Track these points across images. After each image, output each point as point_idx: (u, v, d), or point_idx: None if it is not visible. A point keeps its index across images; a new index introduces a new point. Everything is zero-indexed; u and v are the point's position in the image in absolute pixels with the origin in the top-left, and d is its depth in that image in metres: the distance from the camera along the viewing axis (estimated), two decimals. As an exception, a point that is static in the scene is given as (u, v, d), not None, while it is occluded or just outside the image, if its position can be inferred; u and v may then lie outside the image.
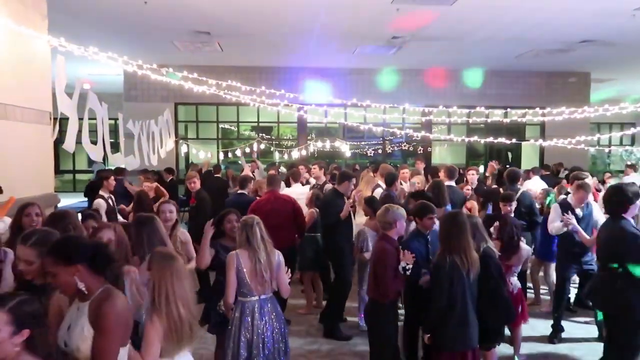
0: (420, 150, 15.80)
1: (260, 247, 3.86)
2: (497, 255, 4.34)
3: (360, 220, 6.87)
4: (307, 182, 8.67)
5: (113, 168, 11.43)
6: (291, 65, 15.10)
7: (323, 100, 11.21)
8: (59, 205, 7.08)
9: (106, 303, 2.28)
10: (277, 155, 19.03)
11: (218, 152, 16.55)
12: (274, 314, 3.91)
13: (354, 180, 6.31)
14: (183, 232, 4.74)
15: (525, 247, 5.15)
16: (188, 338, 2.67)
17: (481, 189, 8.31)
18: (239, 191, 7.29)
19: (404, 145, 16.82)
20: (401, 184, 8.00)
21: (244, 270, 3.82)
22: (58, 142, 7.74)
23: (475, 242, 4.14)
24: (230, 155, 16.83)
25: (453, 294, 3.86)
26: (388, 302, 4.29)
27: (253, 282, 3.81)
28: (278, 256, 3.99)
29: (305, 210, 6.74)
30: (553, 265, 6.63)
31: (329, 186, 7.77)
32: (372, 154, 16.72)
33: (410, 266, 4.14)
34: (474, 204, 7.40)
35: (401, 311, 5.14)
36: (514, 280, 5.06)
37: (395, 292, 4.30)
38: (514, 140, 12.07)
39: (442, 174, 7.94)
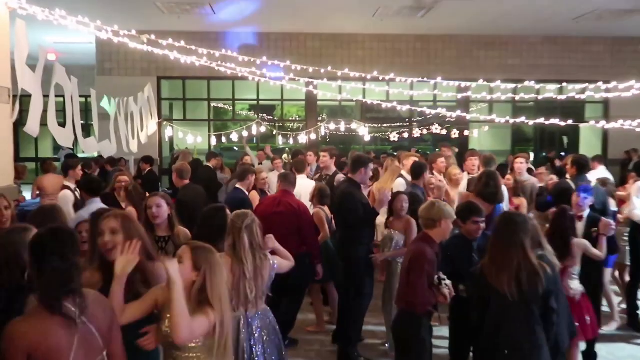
0: (455, 134, 15.68)
1: (249, 258, 3.86)
2: (555, 265, 4.33)
3: (380, 220, 6.82)
4: (319, 172, 8.66)
5: (86, 155, 11.59)
6: (299, 31, 15.06)
7: (336, 74, 11.15)
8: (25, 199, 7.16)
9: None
10: (280, 140, 19.08)
11: (209, 136, 16.62)
12: (266, 330, 3.95)
13: (371, 167, 6.25)
14: (185, 232, 4.72)
15: (580, 241, 5.12)
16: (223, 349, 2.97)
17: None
18: (236, 185, 7.29)
19: (436, 128, 16.73)
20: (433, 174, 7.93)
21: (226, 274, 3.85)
22: (18, 124, 7.81)
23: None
24: (224, 139, 16.90)
25: (492, 314, 3.87)
26: (420, 313, 4.31)
27: (235, 297, 3.82)
28: (272, 263, 4.04)
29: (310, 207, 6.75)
30: (608, 272, 6.69)
31: (340, 177, 7.74)
32: (396, 139, 16.65)
33: (447, 281, 4.14)
34: (522, 201, 7.35)
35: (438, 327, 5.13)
36: (575, 285, 5.05)
37: (427, 304, 4.30)
38: (570, 122, 11.93)
39: (469, 163, 7.88)
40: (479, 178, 6.23)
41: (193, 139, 14.93)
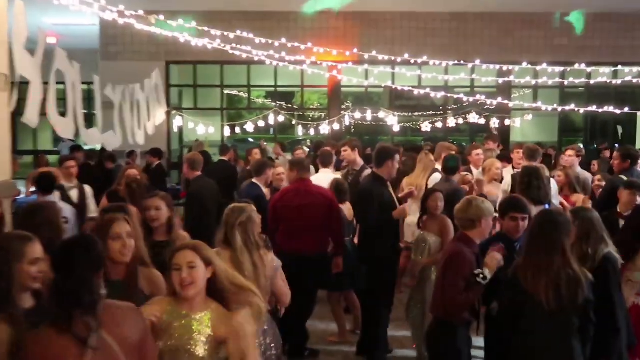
0: (495, 124, 15.54)
1: (245, 257, 3.95)
2: (620, 263, 4.30)
3: (411, 219, 6.80)
4: (346, 167, 8.64)
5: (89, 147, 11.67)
6: (321, 10, 15.03)
7: (363, 56, 11.11)
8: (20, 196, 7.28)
9: None
10: (300, 131, 19.10)
11: (222, 126, 16.71)
12: (268, 339, 4.06)
13: (397, 158, 6.23)
14: (184, 237, 4.73)
15: None
16: None
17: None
18: (253, 180, 7.33)
19: (473, 117, 16.58)
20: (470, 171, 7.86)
21: None
22: (16, 114, 7.92)
23: (591, 245, 4.15)
24: (238, 130, 16.98)
25: (525, 324, 3.84)
26: (458, 322, 4.29)
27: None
28: (273, 262, 4.14)
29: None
30: None
31: (368, 172, 7.72)
32: (428, 129, 16.54)
33: (489, 275, 4.12)
34: (580, 198, 7.23)
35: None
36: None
37: (465, 311, 4.28)
38: (626, 110, 11.78)
39: (516, 156, 7.82)
40: (520, 176, 6.18)
41: (204, 130, 15.03)
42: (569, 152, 8.25)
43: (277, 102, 17.56)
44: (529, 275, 3.85)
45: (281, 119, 15.91)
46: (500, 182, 7.57)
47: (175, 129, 16.20)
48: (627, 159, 7.08)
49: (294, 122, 17.51)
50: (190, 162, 7.73)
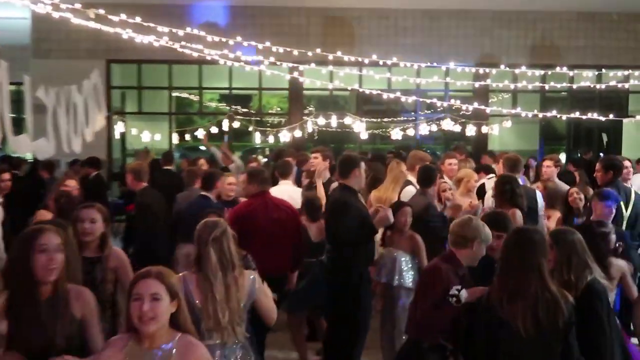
0: (471, 131, 15.75)
1: (217, 276, 3.92)
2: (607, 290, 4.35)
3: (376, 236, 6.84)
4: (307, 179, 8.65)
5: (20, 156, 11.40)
6: (281, 5, 15.08)
7: (327, 57, 11.15)
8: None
9: None
10: (257, 138, 19.05)
11: (170, 133, 16.56)
12: None
13: (363, 167, 6.26)
14: (117, 253, 4.76)
15: (619, 264, 5.15)
16: None
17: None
18: (201, 193, 7.27)
19: (447, 124, 16.78)
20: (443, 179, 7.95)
21: (196, 301, 3.92)
22: None
23: (573, 271, 4.15)
24: (188, 137, 16.85)
25: (501, 353, 3.86)
26: (429, 343, 4.33)
27: (206, 320, 3.88)
28: (252, 283, 4.06)
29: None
30: None
31: (335, 186, 7.73)
32: (399, 137, 16.68)
33: (464, 297, 4.16)
34: (556, 215, 7.41)
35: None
36: None
37: (435, 330, 4.33)
38: (611, 117, 12.08)
39: (499, 167, 7.96)
40: (499, 184, 6.35)
41: (150, 137, 14.90)
42: (547, 163, 8.41)
43: (232, 106, 17.49)
44: (503, 300, 3.86)
45: (237, 124, 15.86)
46: (482, 195, 7.70)
47: (117, 136, 16.00)
48: (610, 169, 7.22)
49: (250, 128, 17.49)
50: (135, 172, 7.65)
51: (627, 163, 7.91)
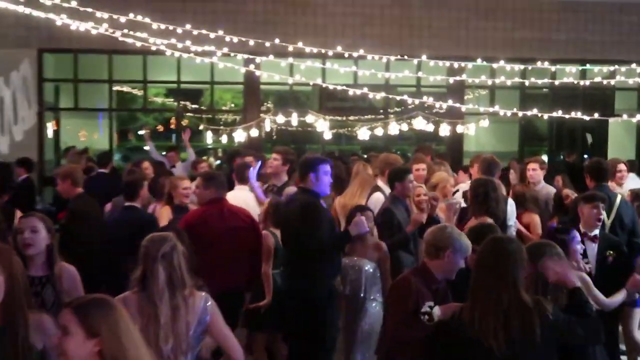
0: (445, 130, 15.89)
1: (164, 297, 3.85)
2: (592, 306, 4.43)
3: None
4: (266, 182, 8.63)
5: None
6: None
7: (287, 48, 11.13)
8: None
9: None
10: (209, 137, 18.94)
11: (111, 131, 16.38)
12: None
13: (328, 169, 6.25)
14: (69, 272, 4.61)
15: (580, 277, 5.22)
16: None
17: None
18: (126, 203, 7.12)
19: (419, 122, 16.91)
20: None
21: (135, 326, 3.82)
22: None
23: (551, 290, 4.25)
24: (131, 137, 16.69)
25: None
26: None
27: (150, 347, 3.79)
28: (204, 304, 3.99)
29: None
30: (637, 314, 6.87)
31: (291, 190, 7.72)
32: (366, 136, 16.74)
33: (437, 315, 4.19)
34: (533, 218, 7.54)
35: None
36: None
37: (408, 351, 4.34)
38: (596, 116, 12.27)
39: (474, 170, 8.06)
40: (473, 187, 6.42)
41: (87, 135, 14.73)
42: (533, 165, 8.55)
43: (181, 102, 17.39)
44: (475, 317, 3.90)
45: (186, 122, 15.77)
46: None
47: (50, 135, 15.76)
48: (594, 173, 7.41)
49: (201, 126, 17.41)
50: (67, 177, 7.52)
51: (621, 166, 8.11)
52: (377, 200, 7.25)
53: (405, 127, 15.95)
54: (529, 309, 3.85)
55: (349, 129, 19.93)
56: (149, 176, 9.07)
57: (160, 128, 15.26)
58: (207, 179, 6.67)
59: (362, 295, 6.10)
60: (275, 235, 6.62)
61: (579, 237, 5.38)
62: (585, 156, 17.03)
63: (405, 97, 12.93)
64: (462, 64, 12.36)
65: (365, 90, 11.55)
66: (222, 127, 17.47)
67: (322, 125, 15.19)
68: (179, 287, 3.91)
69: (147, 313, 3.83)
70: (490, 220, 5.91)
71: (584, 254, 5.70)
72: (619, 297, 5.36)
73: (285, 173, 8.29)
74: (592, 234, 5.99)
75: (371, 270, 6.04)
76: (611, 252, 5.81)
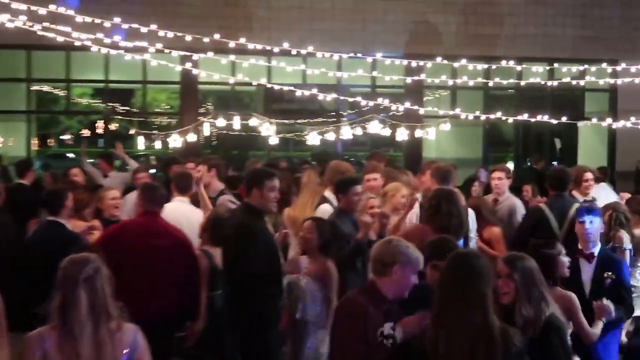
0: (403, 134, 16.04)
1: (85, 330, 3.74)
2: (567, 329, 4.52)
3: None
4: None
5: None
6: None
7: (227, 44, 11.11)
8: None
9: None
10: (141, 143, 18.75)
11: (29, 137, 16.13)
12: None
13: (274, 184, 6.26)
14: None
15: (567, 296, 5.24)
16: None
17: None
18: (48, 218, 6.95)
19: (375, 126, 17.03)
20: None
21: None
22: None
23: (533, 305, 4.27)
24: (52, 142, 16.46)
25: None
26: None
27: None
28: (133, 339, 3.87)
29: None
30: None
31: (225, 200, 7.70)
32: (317, 142, 16.79)
33: (399, 336, 4.21)
34: (493, 232, 7.65)
35: None
36: None
37: None
38: (564, 119, 12.52)
39: (425, 178, 8.15)
40: (428, 199, 6.46)
41: (1, 141, 14.49)
42: (498, 174, 8.64)
43: (109, 104, 17.22)
44: (440, 340, 3.93)
45: (115, 126, 15.63)
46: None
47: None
48: (556, 182, 7.60)
49: (132, 131, 17.24)
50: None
51: (587, 175, 8.23)
52: (324, 212, 7.20)
53: (359, 131, 16.07)
54: (495, 337, 3.87)
55: (297, 133, 20.02)
56: (79, 185, 8.90)
57: (86, 133, 15.03)
58: (141, 189, 6.63)
59: (298, 314, 6.03)
60: (210, 256, 6.58)
61: (564, 250, 5.36)
62: (554, 163, 17.28)
63: (358, 98, 13.03)
64: (421, 63, 12.48)
65: (315, 90, 11.62)
66: (155, 132, 17.35)
67: (268, 130, 15.17)
68: (103, 319, 3.72)
69: (66, 349, 3.67)
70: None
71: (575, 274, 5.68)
72: (598, 328, 5.32)
73: (216, 179, 8.22)
74: (588, 252, 5.89)
75: (312, 288, 5.99)
76: (609, 273, 5.73)
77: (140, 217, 6.35)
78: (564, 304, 5.04)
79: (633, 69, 11.44)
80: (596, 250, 5.86)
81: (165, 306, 6.05)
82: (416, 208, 7.48)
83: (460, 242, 6.33)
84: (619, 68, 12.23)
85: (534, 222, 7.49)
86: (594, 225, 5.89)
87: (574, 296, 5.22)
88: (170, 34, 10.75)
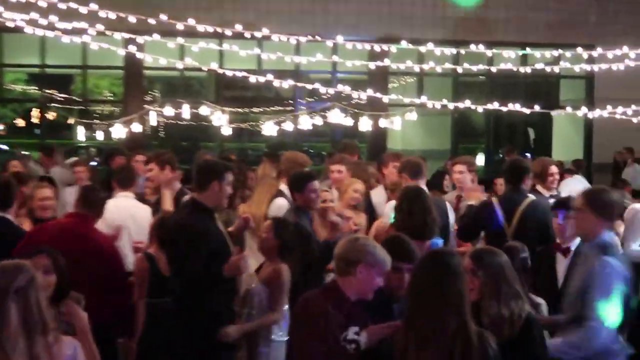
0: (366, 125, 16.08)
1: (18, 345, 3.68)
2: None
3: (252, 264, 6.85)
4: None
5: None
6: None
7: (175, 26, 11.03)
8: None
9: None
10: (81, 133, 18.59)
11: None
12: None
13: (229, 178, 6.22)
14: None
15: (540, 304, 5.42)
16: None
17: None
18: None
19: (336, 115, 17.06)
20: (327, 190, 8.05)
21: None
22: None
23: (503, 302, 4.30)
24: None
25: None
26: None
27: None
28: (73, 353, 3.85)
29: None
30: None
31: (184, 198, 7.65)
32: (273, 132, 16.75)
33: (363, 342, 4.21)
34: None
35: None
36: None
37: None
38: (538, 108, 12.64)
39: (391, 172, 8.16)
40: (398, 200, 6.50)
41: None
42: (459, 167, 8.66)
43: (45, 91, 17.04)
44: (410, 348, 3.91)
45: (52, 115, 15.48)
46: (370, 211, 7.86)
47: None
48: (510, 174, 7.61)
49: (72, 120, 17.11)
50: None
51: (552, 169, 8.29)
52: (279, 207, 7.18)
53: (319, 121, 16.09)
54: (472, 341, 3.86)
55: (252, 123, 19.98)
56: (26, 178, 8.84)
57: (20, 122, 14.87)
58: (79, 190, 6.64)
59: (244, 318, 6.02)
60: (152, 260, 6.53)
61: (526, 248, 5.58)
62: (528, 155, 17.38)
63: (318, 85, 13.03)
64: (385, 47, 12.52)
65: (271, 77, 11.60)
66: (97, 121, 17.22)
67: (220, 119, 15.14)
68: (38, 332, 3.65)
69: None
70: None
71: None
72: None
73: (168, 171, 8.13)
74: (564, 246, 6.01)
75: (261, 291, 5.98)
76: None
77: (67, 219, 6.38)
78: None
79: (610, 54, 11.57)
80: (574, 244, 5.94)
81: (99, 316, 6.00)
82: (388, 207, 7.51)
83: (440, 242, 6.40)
84: (595, 54, 12.38)
85: (476, 216, 7.53)
86: (571, 221, 5.90)
87: (543, 303, 5.36)
88: (112, 15, 10.65)
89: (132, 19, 11.03)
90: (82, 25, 10.84)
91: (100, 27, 10.87)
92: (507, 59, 13.56)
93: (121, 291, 6.34)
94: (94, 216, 6.39)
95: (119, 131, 15.03)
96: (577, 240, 5.93)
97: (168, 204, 7.50)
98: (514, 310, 4.28)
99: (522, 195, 7.36)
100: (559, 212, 6.11)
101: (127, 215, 6.97)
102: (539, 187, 7.92)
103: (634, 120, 11.30)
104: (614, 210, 5.41)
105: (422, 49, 12.88)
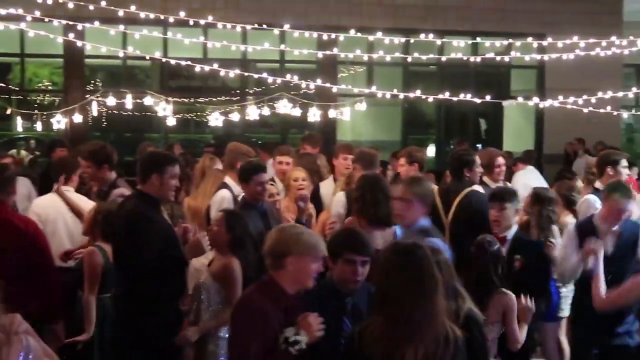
0: (315, 115, 16.06)
1: None
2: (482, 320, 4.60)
3: (200, 262, 6.77)
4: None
5: None
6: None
7: (117, 13, 10.89)
8: None
9: None
10: (19, 124, 18.36)
11: None
12: None
13: (173, 171, 6.15)
14: None
15: (509, 299, 5.46)
16: None
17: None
18: None
19: (284, 106, 17.02)
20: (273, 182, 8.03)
21: None
22: None
23: (450, 299, 4.29)
24: None
25: None
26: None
27: None
28: (25, 353, 3.78)
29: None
30: (555, 328, 7.30)
31: (121, 192, 7.54)
32: (219, 123, 16.67)
33: (304, 341, 4.17)
34: None
35: None
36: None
37: None
38: (488, 98, 12.70)
39: (342, 163, 8.21)
40: (356, 188, 6.52)
41: None
42: (402, 160, 8.69)
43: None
44: (386, 341, 3.82)
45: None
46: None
47: None
48: (452, 165, 7.81)
49: (9, 110, 16.85)
50: None
51: (499, 160, 8.35)
52: (223, 199, 7.10)
53: (266, 111, 16.02)
54: (449, 335, 3.82)
55: (198, 113, 19.85)
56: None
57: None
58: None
59: (191, 318, 5.96)
60: (105, 252, 6.46)
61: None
62: (479, 146, 17.50)
63: (265, 75, 12.97)
64: (334, 36, 12.48)
65: (217, 66, 11.50)
66: (36, 112, 16.92)
67: (164, 109, 15.02)
68: None
69: None
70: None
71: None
72: (523, 333, 5.45)
73: (108, 172, 7.98)
74: (500, 235, 6.20)
75: (210, 286, 5.90)
76: (518, 256, 6.02)
77: None
78: (507, 304, 5.36)
79: (560, 44, 11.67)
80: (510, 234, 6.29)
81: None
82: (341, 197, 7.48)
83: (399, 229, 6.40)
84: (545, 43, 12.48)
85: None
86: (505, 212, 6.32)
87: (514, 297, 5.41)
88: (50, 0, 10.47)
89: (70, 5, 10.87)
90: (19, 11, 10.66)
91: (37, 13, 10.70)
92: (457, 48, 13.66)
93: (45, 281, 6.31)
94: (8, 198, 6.37)
95: (59, 122, 14.85)
96: (513, 229, 6.36)
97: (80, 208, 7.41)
98: (455, 308, 4.34)
99: (461, 186, 7.44)
100: (494, 204, 6.41)
101: (64, 209, 6.84)
102: (485, 179, 8.02)
103: (585, 110, 11.40)
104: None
105: (371, 37, 12.88)
